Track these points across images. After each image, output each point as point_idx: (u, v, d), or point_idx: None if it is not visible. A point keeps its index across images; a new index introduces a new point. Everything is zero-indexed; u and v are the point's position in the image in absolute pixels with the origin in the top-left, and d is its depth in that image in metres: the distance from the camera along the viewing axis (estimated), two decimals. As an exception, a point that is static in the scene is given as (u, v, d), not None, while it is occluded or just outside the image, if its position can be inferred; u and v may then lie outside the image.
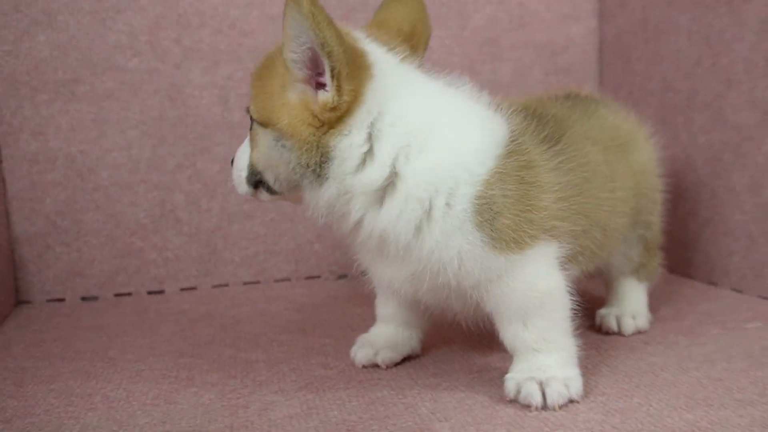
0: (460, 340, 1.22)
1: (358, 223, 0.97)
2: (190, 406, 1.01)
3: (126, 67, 1.59)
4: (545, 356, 0.97)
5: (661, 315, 1.32)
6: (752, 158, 1.39)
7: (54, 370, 1.17)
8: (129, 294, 1.63)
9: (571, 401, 0.95)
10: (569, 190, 1.00)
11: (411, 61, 0.99)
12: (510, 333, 0.99)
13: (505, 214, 0.93)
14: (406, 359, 1.15)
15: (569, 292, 0.99)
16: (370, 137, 0.93)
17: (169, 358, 1.20)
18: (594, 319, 1.27)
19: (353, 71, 0.90)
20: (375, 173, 0.93)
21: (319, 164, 0.93)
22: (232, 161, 1.04)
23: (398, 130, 0.93)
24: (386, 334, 1.15)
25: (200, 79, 1.62)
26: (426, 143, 0.93)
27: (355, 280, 1.56)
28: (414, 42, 1.03)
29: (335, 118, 0.92)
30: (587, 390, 0.98)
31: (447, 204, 0.93)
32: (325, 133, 0.92)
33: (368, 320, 1.22)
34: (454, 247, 0.93)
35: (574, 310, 0.99)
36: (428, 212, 0.93)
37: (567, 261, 1.00)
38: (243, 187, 1.02)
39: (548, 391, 0.94)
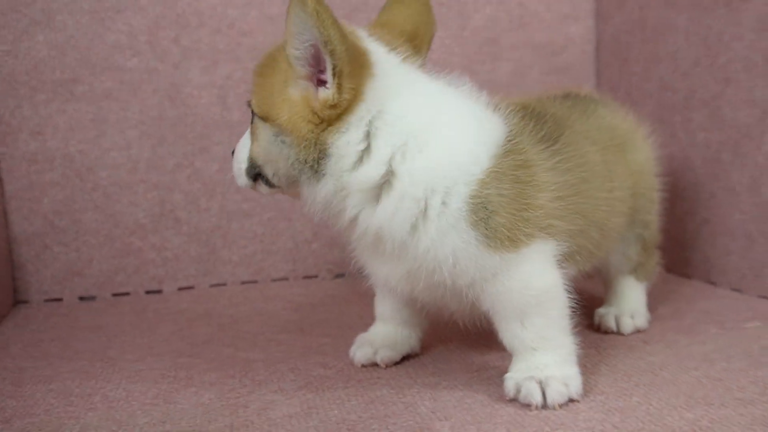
0: (459, 339, 1.22)
1: (354, 220, 0.97)
2: (189, 405, 1.01)
3: (125, 67, 1.59)
4: (544, 354, 0.97)
5: (660, 314, 1.32)
6: (751, 157, 1.39)
7: (53, 370, 1.17)
8: (127, 294, 1.63)
9: (571, 400, 0.96)
10: (567, 190, 1.00)
11: (413, 61, 1.00)
12: (508, 332, 0.99)
13: (500, 212, 0.93)
14: (405, 358, 1.15)
15: (567, 290, 0.99)
16: (368, 135, 0.93)
17: (167, 358, 1.20)
18: (593, 318, 1.27)
19: (354, 70, 0.91)
20: (371, 171, 0.93)
21: (316, 161, 0.93)
22: (233, 152, 1.05)
23: (396, 129, 0.93)
24: (385, 333, 1.15)
25: (199, 79, 1.62)
26: (424, 143, 0.93)
27: (352, 279, 1.56)
28: (417, 42, 1.03)
29: (335, 116, 0.92)
30: (586, 389, 0.98)
31: (443, 203, 0.93)
32: (323, 131, 0.93)
33: (366, 319, 1.22)
34: (449, 246, 0.93)
35: (573, 308, 0.99)
36: (424, 211, 0.93)
37: (564, 260, 1.00)
38: (242, 179, 1.03)
39: (548, 391, 0.94)
